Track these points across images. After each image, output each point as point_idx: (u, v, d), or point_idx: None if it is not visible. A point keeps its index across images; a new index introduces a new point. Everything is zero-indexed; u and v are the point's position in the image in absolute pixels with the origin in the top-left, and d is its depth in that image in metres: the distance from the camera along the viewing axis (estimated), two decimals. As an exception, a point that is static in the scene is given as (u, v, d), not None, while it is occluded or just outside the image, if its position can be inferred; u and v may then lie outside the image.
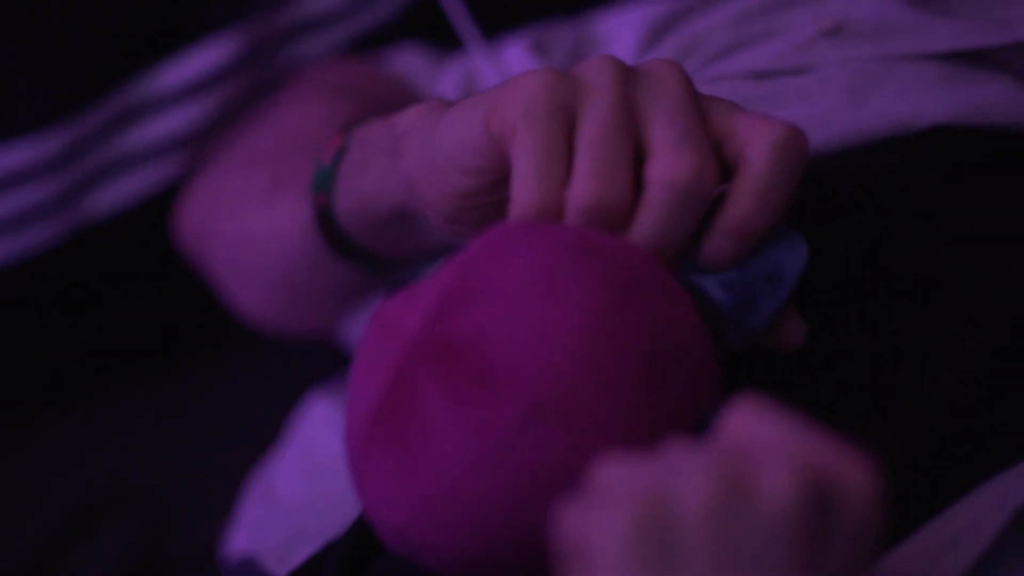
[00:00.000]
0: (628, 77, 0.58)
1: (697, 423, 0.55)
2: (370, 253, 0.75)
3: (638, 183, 0.58)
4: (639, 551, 0.47)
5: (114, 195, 0.95)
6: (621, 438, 0.53)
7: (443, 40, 0.93)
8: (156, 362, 1.04)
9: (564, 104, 0.57)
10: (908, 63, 0.72)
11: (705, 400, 0.56)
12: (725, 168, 0.58)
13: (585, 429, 0.53)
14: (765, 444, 0.49)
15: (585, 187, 0.56)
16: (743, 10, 0.77)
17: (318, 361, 0.97)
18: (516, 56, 0.84)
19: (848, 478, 0.48)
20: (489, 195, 0.61)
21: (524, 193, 0.57)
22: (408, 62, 0.94)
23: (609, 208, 0.57)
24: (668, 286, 0.57)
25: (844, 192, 0.69)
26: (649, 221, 0.57)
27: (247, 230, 0.86)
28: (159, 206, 0.96)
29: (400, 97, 0.90)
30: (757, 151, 0.57)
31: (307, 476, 0.87)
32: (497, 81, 0.85)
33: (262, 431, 0.95)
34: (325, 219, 0.74)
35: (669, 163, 0.56)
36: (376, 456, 0.56)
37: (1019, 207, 0.68)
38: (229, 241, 0.88)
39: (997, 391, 0.64)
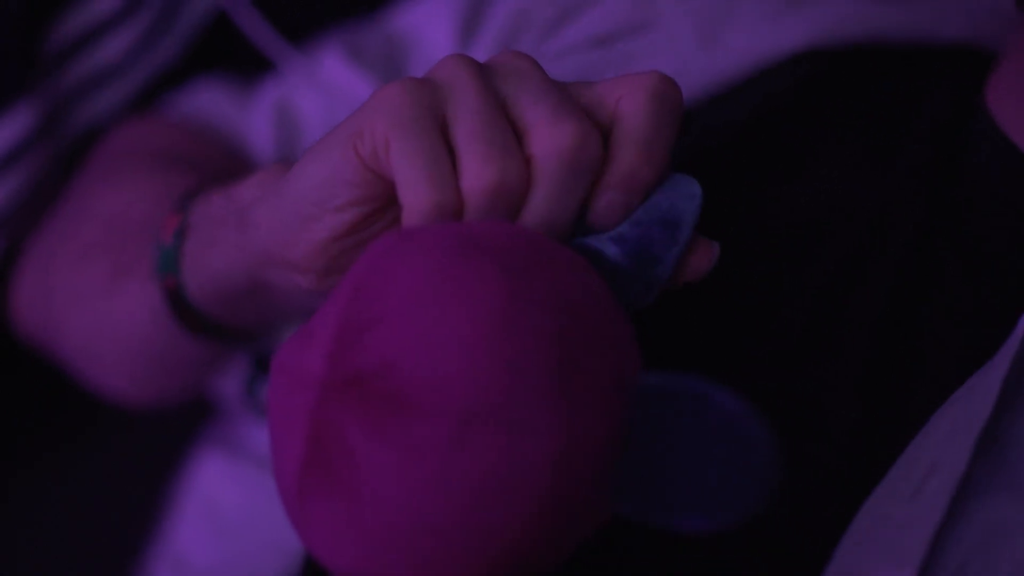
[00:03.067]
0: (482, 70, 0.57)
1: (638, 397, 0.54)
2: (228, 327, 0.72)
3: None
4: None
5: None
6: (552, 425, 0.52)
7: (238, 68, 0.90)
8: (10, 457, 0.99)
9: (432, 106, 0.56)
10: None
11: (629, 363, 0.55)
12: (603, 135, 0.58)
13: (515, 425, 0.52)
14: None
15: (481, 173, 0.55)
16: None
17: (187, 421, 0.94)
18: (335, 65, 0.82)
19: None
20: (364, 230, 0.59)
21: (418, 196, 0.56)
22: (207, 101, 0.91)
23: (509, 189, 0.56)
24: (561, 258, 0.55)
25: (713, 145, 0.68)
26: (543, 195, 0.56)
27: (93, 323, 0.82)
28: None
29: (216, 150, 0.87)
30: (632, 103, 0.57)
31: (218, 536, 0.84)
32: (321, 95, 0.82)
33: (144, 508, 0.92)
34: (176, 300, 0.71)
35: (550, 134, 0.55)
36: (313, 506, 0.54)
37: (890, 120, 0.68)
38: (75, 336, 0.85)
39: (910, 317, 0.64)
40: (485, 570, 0.53)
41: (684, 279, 0.59)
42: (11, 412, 1.00)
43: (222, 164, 0.84)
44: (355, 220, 0.58)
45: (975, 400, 0.59)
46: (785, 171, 0.68)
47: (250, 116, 0.87)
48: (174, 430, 0.94)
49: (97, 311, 0.81)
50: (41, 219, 0.90)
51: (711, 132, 0.69)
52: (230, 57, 0.90)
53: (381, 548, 0.53)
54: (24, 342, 0.93)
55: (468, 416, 0.51)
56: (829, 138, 0.68)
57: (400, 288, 0.53)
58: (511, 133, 0.56)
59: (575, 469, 0.52)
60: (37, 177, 0.90)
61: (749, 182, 0.68)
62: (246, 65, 0.89)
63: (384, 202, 0.58)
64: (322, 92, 0.82)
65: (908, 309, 0.64)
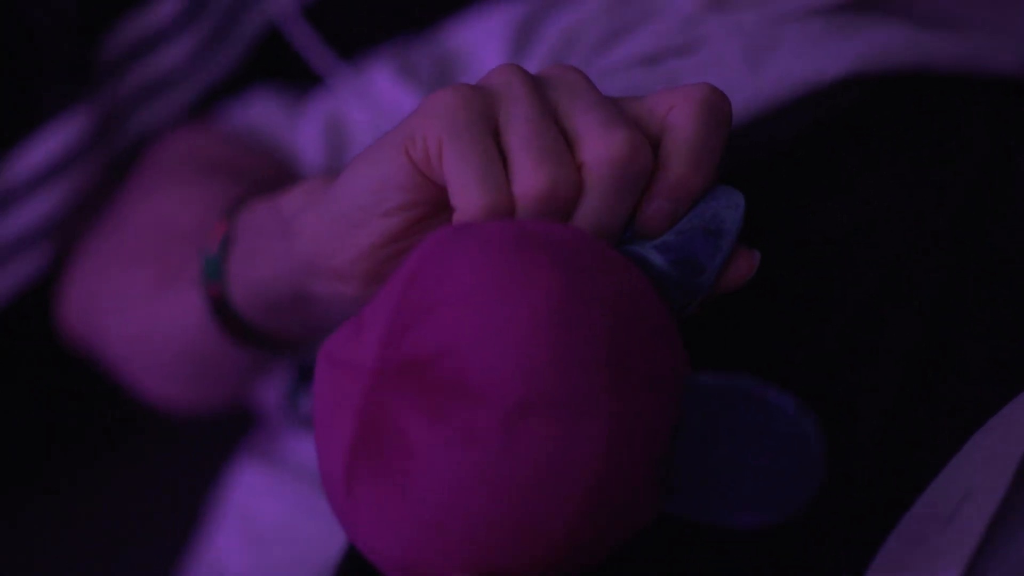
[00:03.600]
0: (535, 80, 0.58)
1: (688, 392, 0.55)
2: (272, 336, 0.72)
3: None
4: None
5: None
6: (604, 417, 0.52)
7: (292, 80, 0.91)
8: (57, 461, 1.00)
9: (485, 111, 0.57)
10: (796, 21, 0.72)
11: (677, 362, 0.55)
12: (653, 145, 0.58)
13: (569, 416, 0.52)
14: None
15: (533, 178, 0.56)
16: None
17: (230, 431, 0.95)
18: (385, 81, 0.82)
19: None
20: (411, 237, 0.59)
21: (470, 199, 0.56)
22: (260, 112, 0.91)
23: (561, 194, 0.56)
24: (614, 260, 0.56)
25: (757, 162, 0.68)
26: (594, 202, 0.57)
27: (139, 328, 0.83)
28: (35, 299, 0.92)
29: (265, 160, 0.88)
30: (683, 113, 0.57)
31: (254, 547, 0.85)
32: (371, 110, 0.83)
33: (186, 516, 0.92)
34: (221, 308, 0.71)
35: (602, 143, 0.56)
36: (362, 493, 0.54)
37: (936, 147, 0.68)
38: (121, 340, 0.86)
39: (948, 338, 0.64)
40: (533, 560, 0.53)
41: (725, 287, 0.59)
42: (57, 417, 1.01)
43: (271, 175, 0.85)
44: (403, 226, 0.59)
45: (1015, 425, 0.58)
46: (828, 187, 0.68)
47: (301, 128, 0.88)
48: (219, 439, 0.95)
49: (142, 317, 0.81)
50: (91, 226, 0.91)
51: (756, 148, 0.69)
52: (284, 70, 0.90)
53: (429, 535, 0.53)
54: (72, 347, 0.94)
55: (523, 405, 0.52)
56: (874, 159, 0.68)
57: (457, 276, 0.54)
58: (563, 141, 0.57)
59: (626, 462, 0.53)
60: (89, 184, 0.91)
61: (792, 197, 0.68)
62: (300, 78, 0.89)
63: (433, 208, 0.59)
64: (372, 107, 0.83)
65: (948, 327, 0.64)
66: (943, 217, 0.66)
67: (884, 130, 0.69)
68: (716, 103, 0.57)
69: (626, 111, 0.58)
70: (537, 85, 0.58)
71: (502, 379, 0.52)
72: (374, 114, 0.83)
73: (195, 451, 0.97)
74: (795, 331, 0.65)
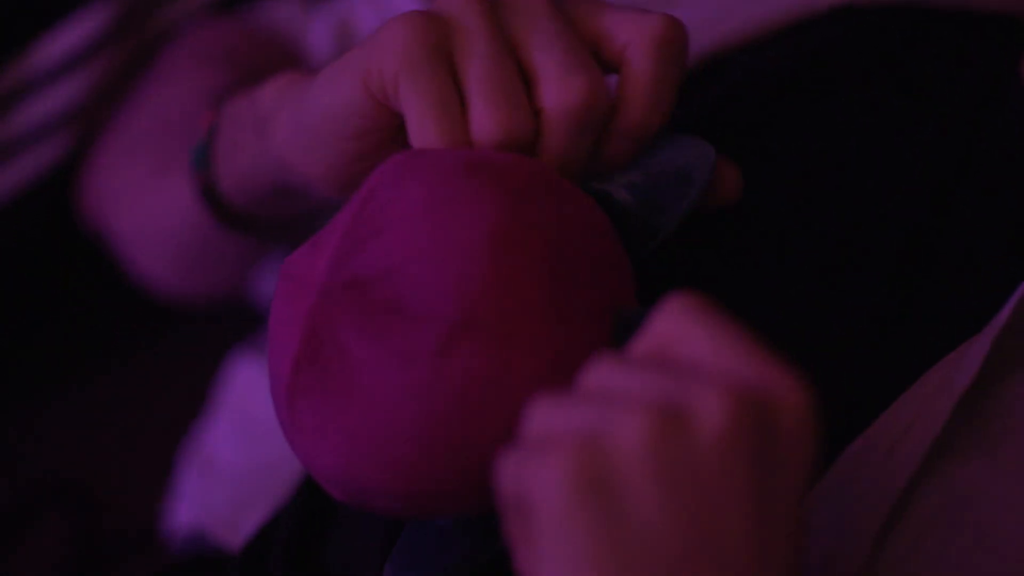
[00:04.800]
0: (492, 5, 0.58)
1: (620, 324, 0.55)
2: (261, 222, 0.74)
3: None
4: (582, 501, 0.45)
5: (10, 179, 0.93)
6: (539, 342, 0.53)
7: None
8: (72, 352, 1.02)
9: (441, 44, 0.57)
10: None
11: (621, 296, 0.56)
12: (605, 68, 0.58)
13: (505, 339, 0.53)
14: (696, 357, 0.47)
15: (489, 120, 0.56)
16: None
17: (233, 326, 0.96)
18: None
19: (783, 396, 0.46)
20: (380, 152, 0.60)
21: (426, 137, 0.56)
22: (283, 12, 0.92)
23: (516, 137, 0.56)
24: (566, 191, 0.57)
25: (743, 91, 0.68)
26: (553, 147, 0.57)
27: (140, 215, 0.85)
28: (56, 185, 0.94)
29: (273, 57, 0.89)
30: (639, 51, 0.57)
31: (244, 440, 0.86)
32: (380, 14, 0.83)
33: (187, 407, 0.94)
34: (209, 196, 0.73)
35: (561, 89, 0.56)
36: (303, 406, 0.55)
37: (922, 77, 0.68)
38: (126, 227, 0.87)
39: (918, 279, 0.63)
40: (465, 480, 0.54)
41: (719, 201, 0.60)
42: (70, 308, 1.03)
43: (281, 71, 0.86)
44: (368, 146, 0.59)
45: (963, 366, 0.58)
46: (814, 116, 0.68)
47: (312, 27, 0.88)
48: (227, 333, 0.97)
49: (142, 205, 0.83)
50: (111, 117, 0.93)
51: (745, 78, 0.69)
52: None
53: (364, 451, 0.54)
54: (90, 234, 0.96)
55: (459, 325, 0.53)
56: (860, 89, 0.68)
57: (406, 200, 0.55)
58: (520, 81, 0.57)
59: (558, 387, 0.53)
60: (110, 76, 0.92)
61: (778, 125, 0.67)
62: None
63: (396, 130, 0.59)
64: (381, 11, 0.83)
65: (925, 257, 0.63)
66: (925, 142, 0.65)
67: (872, 61, 0.69)
68: (674, 39, 0.57)
69: (584, 34, 0.58)
70: (493, 10, 0.57)
71: (438, 300, 0.53)
72: (381, 15, 0.83)
73: (202, 344, 0.98)
74: (772, 255, 0.65)
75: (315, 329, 0.55)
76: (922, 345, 0.61)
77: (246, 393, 0.88)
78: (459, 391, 0.53)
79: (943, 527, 0.56)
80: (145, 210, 0.83)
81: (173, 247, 0.83)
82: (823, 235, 0.64)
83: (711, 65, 0.72)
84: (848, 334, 0.62)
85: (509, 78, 0.56)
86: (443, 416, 0.53)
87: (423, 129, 0.56)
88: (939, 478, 0.57)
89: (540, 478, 0.46)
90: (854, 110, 0.68)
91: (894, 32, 0.69)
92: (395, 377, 0.53)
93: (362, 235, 0.55)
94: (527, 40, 0.57)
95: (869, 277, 0.63)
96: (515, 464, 0.47)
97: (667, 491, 0.46)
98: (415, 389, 0.53)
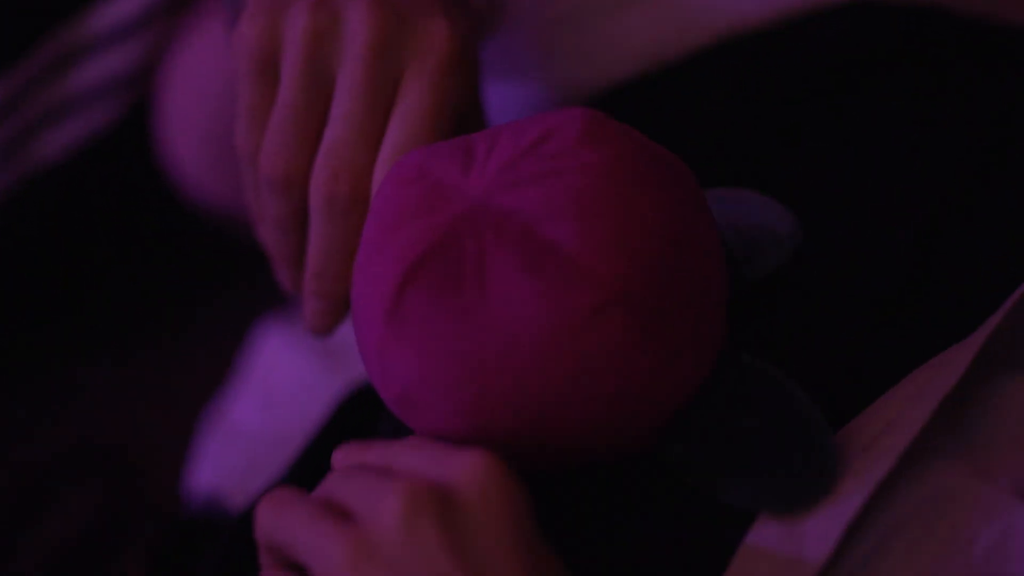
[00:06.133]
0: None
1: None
2: None
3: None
4: None
5: (61, 140, 0.95)
6: (670, 342, 0.54)
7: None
8: (111, 318, 1.04)
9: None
10: None
11: (719, 326, 0.57)
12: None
13: (646, 323, 0.53)
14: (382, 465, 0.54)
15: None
16: None
17: (261, 297, 0.97)
18: None
19: (456, 477, 0.52)
20: None
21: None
22: None
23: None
24: (708, 209, 0.58)
25: (762, 79, 0.68)
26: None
27: (186, 76, 0.88)
28: (110, 147, 0.95)
29: None
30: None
31: (265, 407, 0.87)
32: None
33: (219, 376, 0.95)
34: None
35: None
36: (412, 302, 0.54)
37: (943, 81, 0.67)
38: (177, 76, 0.91)
39: (926, 277, 0.63)
40: (540, 434, 0.54)
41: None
42: (114, 280, 1.05)
43: None
44: None
45: (949, 369, 0.58)
46: (827, 114, 0.67)
47: None
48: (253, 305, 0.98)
49: (189, 63, 0.85)
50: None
51: (765, 79, 0.68)
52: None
53: (468, 366, 0.54)
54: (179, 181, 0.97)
55: (619, 296, 0.53)
56: (877, 87, 0.68)
57: (589, 157, 0.55)
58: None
59: (665, 387, 0.55)
60: (161, 47, 0.94)
61: (792, 125, 0.67)
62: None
63: None
64: None
65: (936, 256, 0.63)
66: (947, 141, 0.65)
67: (880, 61, 0.68)
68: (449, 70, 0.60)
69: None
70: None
71: (610, 265, 0.53)
72: None
73: (234, 312, 0.99)
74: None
75: (458, 236, 0.54)
76: (922, 345, 0.61)
77: (273, 363, 0.89)
78: (588, 356, 0.53)
79: (915, 529, 0.56)
80: (191, 67, 0.85)
81: (213, 107, 0.85)
82: (833, 231, 0.64)
83: (726, 48, 0.71)
84: (850, 332, 0.62)
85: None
86: (571, 371, 0.53)
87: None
88: (916, 480, 0.57)
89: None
90: (869, 108, 0.67)
91: (902, 32, 0.69)
92: (538, 317, 0.53)
93: (536, 171, 0.55)
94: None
95: (878, 273, 0.63)
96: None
97: None
98: (550, 337, 0.53)
